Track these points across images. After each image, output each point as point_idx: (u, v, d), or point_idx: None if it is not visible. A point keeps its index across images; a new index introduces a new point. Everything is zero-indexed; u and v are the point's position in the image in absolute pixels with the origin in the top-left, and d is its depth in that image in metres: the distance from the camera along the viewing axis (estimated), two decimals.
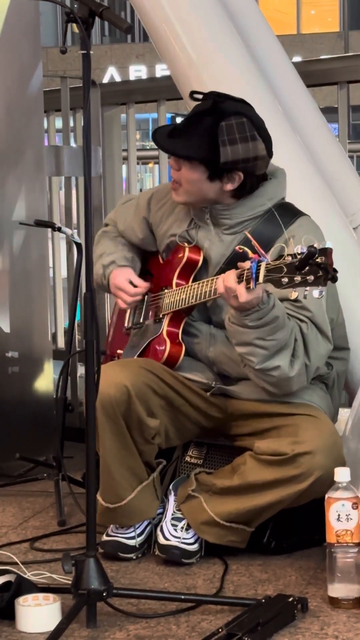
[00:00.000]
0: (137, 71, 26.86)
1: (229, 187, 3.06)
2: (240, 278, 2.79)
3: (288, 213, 3.10)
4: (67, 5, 2.54)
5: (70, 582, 2.64)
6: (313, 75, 4.02)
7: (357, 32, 26.23)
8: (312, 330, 2.97)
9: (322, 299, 2.97)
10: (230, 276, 2.81)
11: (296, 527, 3.13)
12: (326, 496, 2.72)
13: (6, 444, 3.98)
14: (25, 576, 2.83)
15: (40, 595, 2.69)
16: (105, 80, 23.99)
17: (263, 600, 2.64)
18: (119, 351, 3.37)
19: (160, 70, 24.29)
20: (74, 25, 2.56)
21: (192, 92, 3.11)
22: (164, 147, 3.14)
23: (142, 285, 3.24)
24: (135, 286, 3.25)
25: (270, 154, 3.08)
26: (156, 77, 10.86)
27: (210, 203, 3.10)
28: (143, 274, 3.40)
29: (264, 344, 2.87)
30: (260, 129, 3.04)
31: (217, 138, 2.99)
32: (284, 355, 2.90)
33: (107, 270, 3.30)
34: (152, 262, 3.38)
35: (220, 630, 2.49)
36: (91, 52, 2.53)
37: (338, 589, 2.71)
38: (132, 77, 25.41)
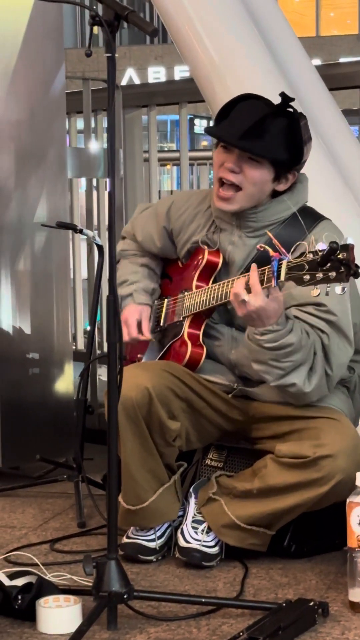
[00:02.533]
0: (156, 73, 26.89)
1: (281, 187, 3.07)
2: (261, 276, 2.79)
3: (310, 217, 3.10)
4: (93, 8, 2.53)
5: (90, 584, 2.64)
6: (334, 78, 4.01)
7: None
8: (334, 339, 2.95)
9: (346, 303, 2.97)
10: (238, 282, 2.82)
11: (317, 531, 3.13)
12: (348, 500, 2.71)
13: (26, 445, 3.99)
14: (46, 577, 2.84)
15: (61, 596, 2.69)
16: (124, 81, 24.01)
17: (284, 604, 2.64)
18: (139, 355, 3.37)
19: (179, 72, 24.31)
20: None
21: (282, 93, 3.04)
22: (245, 149, 3.01)
23: (146, 335, 3.24)
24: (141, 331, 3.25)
25: None
26: (177, 80, 10.89)
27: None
28: (163, 278, 3.41)
29: (279, 365, 2.89)
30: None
31: (296, 137, 3.00)
32: (300, 373, 2.91)
33: (124, 302, 3.30)
34: (171, 266, 3.38)
35: (241, 634, 2.49)
36: (116, 55, 2.53)
37: (359, 594, 2.70)
38: (150, 79, 25.43)
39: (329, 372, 2.95)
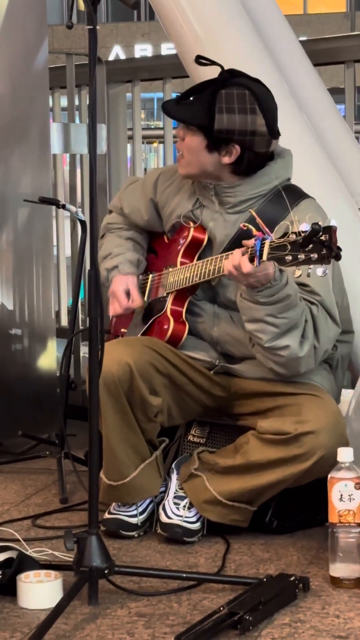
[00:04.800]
0: (143, 50, 26.77)
1: (226, 160, 3.05)
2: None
3: (293, 195, 3.08)
4: None
5: (71, 560, 2.64)
6: (320, 54, 3.99)
7: None
8: (322, 313, 2.96)
9: (329, 283, 2.97)
10: (236, 254, 2.81)
11: (298, 506, 3.13)
12: (329, 476, 2.72)
13: (9, 421, 3.98)
14: (27, 553, 2.84)
15: (42, 572, 2.70)
16: (111, 58, 23.91)
17: (264, 579, 2.64)
18: (122, 330, 3.37)
19: (166, 49, 24.18)
20: (80, 2, 2.54)
21: (198, 57, 3.10)
22: (169, 113, 3.16)
23: (137, 300, 3.24)
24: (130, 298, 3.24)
25: (273, 132, 3.05)
26: (162, 55, 10.82)
27: (212, 178, 3.09)
28: (148, 253, 3.40)
29: (274, 322, 2.86)
30: (264, 105, 3.02)
31: (214, 105, 3.00)
32: (294, 335, 2.89)
33: (110, 275, 3.30)
34: (157, 241, 3.38)
35: (221, 608, 2.49)
36: (97, 27, 2.51)
37: (340, 569, 2.71)
38: (137, 56, 25.30)
39: (315, 344, 2.94)
